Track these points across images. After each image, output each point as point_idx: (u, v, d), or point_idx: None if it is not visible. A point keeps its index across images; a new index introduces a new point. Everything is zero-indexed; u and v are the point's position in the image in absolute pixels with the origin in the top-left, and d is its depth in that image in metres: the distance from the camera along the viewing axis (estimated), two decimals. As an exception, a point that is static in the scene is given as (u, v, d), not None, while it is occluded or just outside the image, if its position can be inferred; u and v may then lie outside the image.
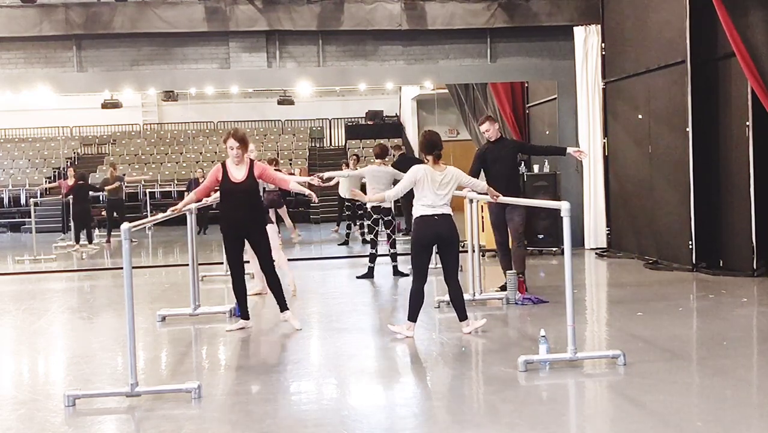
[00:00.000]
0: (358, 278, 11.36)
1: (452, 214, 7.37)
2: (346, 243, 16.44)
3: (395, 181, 11.28)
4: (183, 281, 11.24)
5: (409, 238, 15.16)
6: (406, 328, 7.44)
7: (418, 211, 7.34)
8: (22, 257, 15.81)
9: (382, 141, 28.50)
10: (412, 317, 7.40)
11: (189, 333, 8.25)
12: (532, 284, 9.65)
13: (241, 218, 7.76)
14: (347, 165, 18.19)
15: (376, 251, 11.47)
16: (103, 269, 13.66)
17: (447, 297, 7.68)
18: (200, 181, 17.05)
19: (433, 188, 7.25)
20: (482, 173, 9.14)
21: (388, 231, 11.27)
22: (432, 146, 7.32)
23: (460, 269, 7.87)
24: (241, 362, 7.00)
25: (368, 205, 11.26)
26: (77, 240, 17.22)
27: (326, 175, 13.04)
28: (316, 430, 5.01)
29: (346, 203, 16.90)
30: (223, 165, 7.80)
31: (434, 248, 8.00)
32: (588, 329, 7.71)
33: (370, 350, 7.22)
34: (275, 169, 15.80)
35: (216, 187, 7.93)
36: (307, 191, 7.94)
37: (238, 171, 7.76)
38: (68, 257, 16.18)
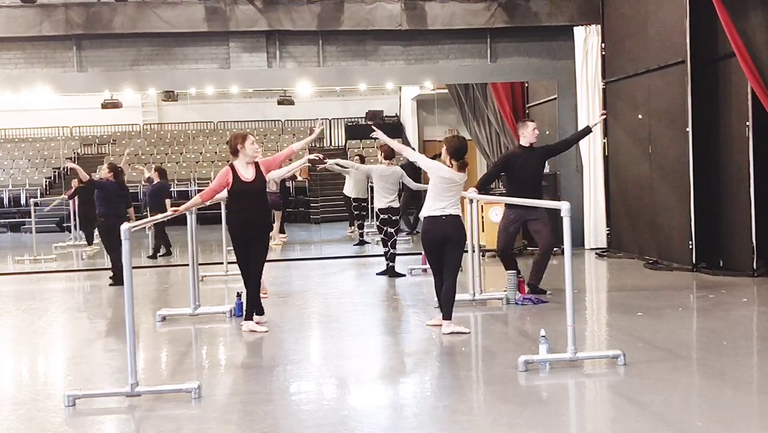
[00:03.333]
0: (378, 274, 11.38)
1: (460, 215, 7.53)
2: (362, 243, 15.94)
3: (401, 183, 11.26)
4: (183, 281, 11.23)
5: (407, 238, 14.99)
6: (437, 320, 7.70)
7: (427, 210, 7.50)
8: (22, 257, 15.81)
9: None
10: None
11: (189, 333, 8.25)
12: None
13: (251, 218, 7.76)
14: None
15: (389, 249, 11.16)
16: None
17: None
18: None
19: (449, 190, 7.43)
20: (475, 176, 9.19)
21: (392, 230, 11.06)
22: (462, 153, 7.54)
23: (460, 269, 7.88)
24: (241, 362, 7.00)
25: (376, 206, 11.16)
26: (90, 241, 17.18)
27: (329, 162, 12.99)
28: (316, 430, 5.01)
29: (354, 204, 16.67)
30: (232, 167, 7.75)
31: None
32: (588, 329, 7.71)
33: (370, 350, 7.23)
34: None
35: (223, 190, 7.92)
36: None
37: (247, 171, 7.75)
38: (68, 257, 16.18)
